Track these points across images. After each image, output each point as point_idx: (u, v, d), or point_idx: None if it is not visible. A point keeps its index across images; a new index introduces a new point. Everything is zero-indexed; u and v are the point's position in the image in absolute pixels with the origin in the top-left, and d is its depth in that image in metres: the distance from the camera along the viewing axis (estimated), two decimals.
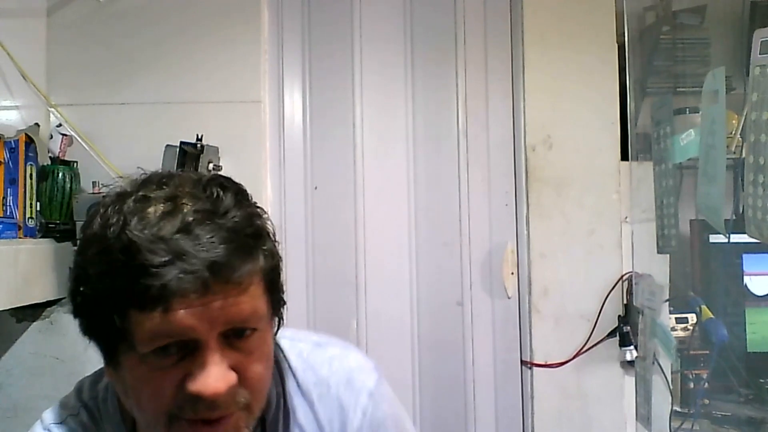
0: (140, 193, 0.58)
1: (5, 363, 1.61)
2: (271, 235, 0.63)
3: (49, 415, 0.70)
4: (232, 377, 0.58)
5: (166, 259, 0.53)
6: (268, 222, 0.63)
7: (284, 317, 0.68)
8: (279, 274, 0.65)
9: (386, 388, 0.77)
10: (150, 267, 0.53)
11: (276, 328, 0.67)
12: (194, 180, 0.60)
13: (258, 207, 0.63)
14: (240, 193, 0.61)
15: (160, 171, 0.62)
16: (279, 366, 0.73)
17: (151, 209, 0.56)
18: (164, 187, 0.59)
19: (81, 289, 0.58)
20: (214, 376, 0.56)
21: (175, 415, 0.58)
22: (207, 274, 0.54)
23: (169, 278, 0.53)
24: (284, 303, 0.66)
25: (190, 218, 0.55)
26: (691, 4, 1.90)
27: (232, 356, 0.58)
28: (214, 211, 0.57)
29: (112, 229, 0.56)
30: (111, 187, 0.62)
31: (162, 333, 0.55)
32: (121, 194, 0.59)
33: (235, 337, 0.58)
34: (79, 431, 0.68)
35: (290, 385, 0.73)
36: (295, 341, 0.76)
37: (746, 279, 1.75)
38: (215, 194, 0.59)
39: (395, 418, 0.78)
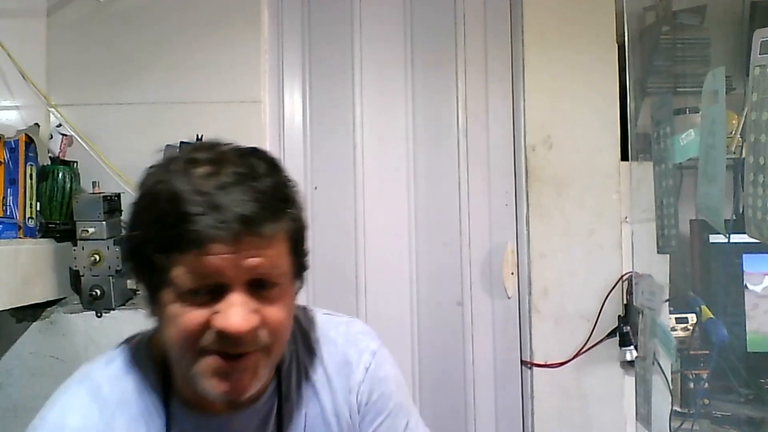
0: (189, 157, 0.67)
1: (5, 363, 1.61)
2: (299, 204, 0.71)
3: (86, 368, 0.77)
4: (254, 319, 0.65)
5: (204, 209, 0.62)
6: (298, 191, 0.71)
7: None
8: (303, 240, 0.73)
9: (388, 353, 0.86)
10: (190, 215, 0.62)
11: (298, 289, 0.74)
12: (236, 149, 0.70)
13: (289, 178, 0.71)
14: (274, 164, 0.70)
15: (206, 141, 0.71)
16: (293, 328, 0.78)
17: (196, 169, 0.65)
18: (209, 152, 0.68)
19: (131, 234, 0.68)
20: (238, 316, 0.64)
21: (203, 349, 0.65)
22: (237, 225, 0.62)
23: (204, 225, 0.62)
24: (306, 267, 0.74)
25: (228, 179, 0.64)
26: (691, 4, 1.89)
27: (256, 302, 0.66)
28: (249, 175, 0.65)
29: (161, 184, 0.65)
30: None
31: (196, 273, 0.63)
32: (173, 158, 0.69)
33: (260, 287, 0.66)
34: (94, 404, 0.73)
35: (303, 345, 0.82)
36: (307, 309, 0.86)
37: (746, 279, 1.75)
38: (252, 162, 0.67)
39: (396, 380, 0.86)
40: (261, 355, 0.68)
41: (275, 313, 0.67)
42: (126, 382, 0.74)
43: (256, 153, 0.70)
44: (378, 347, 0.85)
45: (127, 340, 0.80)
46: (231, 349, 0.65)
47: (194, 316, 0.64)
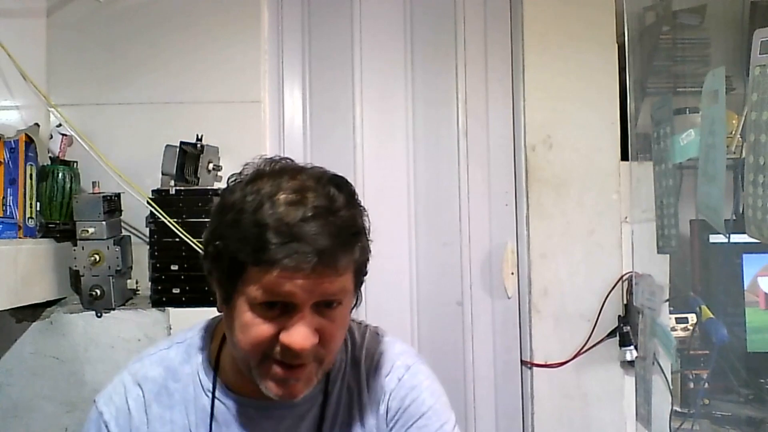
0: (276, 181, 0.74)
1: (5, 363, 1.61)
2: (367, 232, 0.79)
3: (147, 350, 0.90)
4: (315, 338, 0.73)
5: (286, 239, 0.69)
6: (367, 220, 0.79)
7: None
8: (367, 264, 0.81)
9: (425, 369, 0.93)
10: (273, 244, 0.69)
11: (355, 303, 0.83)
12: (317, 177, 0.76)
13: (362, 207, 0.78)
14: (351, 195, 0.77)
15: (292, 163, 0.79)
16: (346, 340, 0.90)
17: (281, 196, 0.72)
18: (295, 179, 0.74)
19: (216, 242, 0.75)
20: (303, 335, 0.72)
21: (267, 355, 0.74)
22: (315, 258, 0.69)
23: (285, 254, 0.69)
24: (364, 281, 0.82)
25: (310, 212, 0.71)
26: (691, 4, 1.89)
27: (318, 321, 0.74)
28: (329, 208, 0.72)
29: (248, 205, 0.72)
30: (250, 164, 0.79)
31: (272, 292, 0.71)
32: (260, 174, 0.76)
33: (324, 307, 0.74)
34: (162, 362, 0.87)
35: (351, 356, 0.90)
36: (362, 325, 0.96)
37: (746, 279, 1.75)
38: (332, 193, 0.74)
39: (431, 389, 0.91)
40: (314, 366, 0.77)
41: (333, 331, 0.76)
42: (190, 360, 0.87)
43: (334, 181, 0.76)
44: (414, 363, 0.92)
45: (188, 330, 0.91)
46: (291, 360, 0.74)
47: (264, 329, 0.73)
